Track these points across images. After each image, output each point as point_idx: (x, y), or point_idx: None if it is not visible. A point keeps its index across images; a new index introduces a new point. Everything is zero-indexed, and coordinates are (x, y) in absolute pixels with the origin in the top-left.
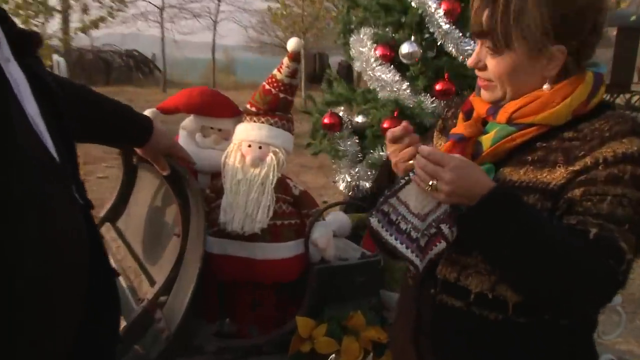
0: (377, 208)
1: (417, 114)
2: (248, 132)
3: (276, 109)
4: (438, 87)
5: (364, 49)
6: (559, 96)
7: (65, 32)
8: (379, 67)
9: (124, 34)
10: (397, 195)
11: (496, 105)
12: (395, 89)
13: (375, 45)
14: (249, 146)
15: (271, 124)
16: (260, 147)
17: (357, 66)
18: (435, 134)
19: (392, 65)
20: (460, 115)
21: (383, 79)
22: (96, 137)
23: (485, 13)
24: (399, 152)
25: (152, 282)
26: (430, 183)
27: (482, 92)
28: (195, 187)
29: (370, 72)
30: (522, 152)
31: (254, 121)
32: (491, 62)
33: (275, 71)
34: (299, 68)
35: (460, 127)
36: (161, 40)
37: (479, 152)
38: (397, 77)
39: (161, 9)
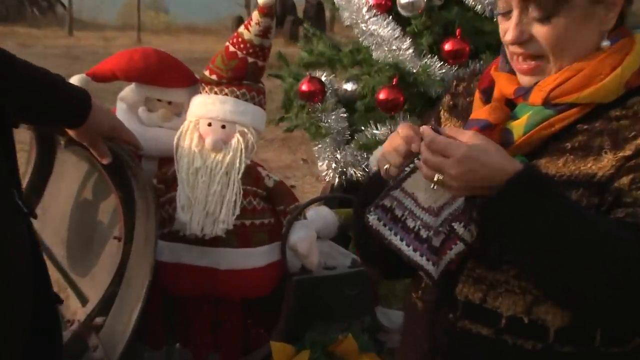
0: (377, 203)
1: (422, 82)
2: (207, 107)
3: (244, 77)
4: (447, 46)
5: None
6: (607, 66)
7: None
8: (373, 19)
9: None
10: (402, 186)
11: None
12: (394, 48)
13: None
14: (209, 125)
15: (237, 97)
16: (223, 127)
17: (345, 17)
18: (442, 113)
19: (389, 17)
20: (478, 95)
21: (379, 34)
22: (17, 117)
23: None
24: (396, 156)
25: (83, 300)
26: (436, 178)
27: (524, 77)
28: (143, 178)
29: (362, 26)
30: (559, 139)
31: (215, 93)
32: (541, 31)
33: (242, 28)
34: (272, 25)
35: (483, 112)
36: None
37: (509, 142)
38: (396, 33)
39: None
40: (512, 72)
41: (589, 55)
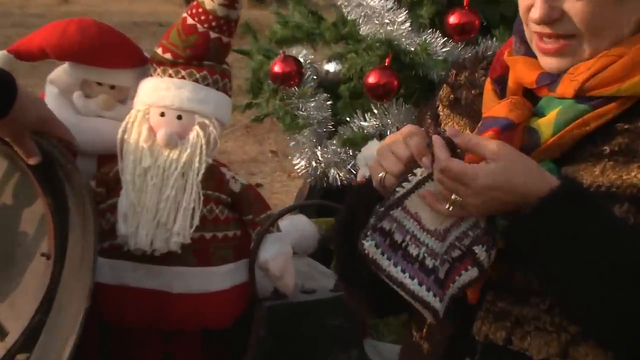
0: (374, 225)
1: (421, 63)
2: (160, 94)
3: (205, 56)
4: (452, 19)
5: None
6: None
7: None
8: None
9: None
10: (403, 205)
11: (549, 74)
12: (386, 22)
13: None
14: (162, 115)
15: (196, 81)
16: (179, 117)
17: None
18: (440, 109)
19: None
20: (489, 86)
21: (368, 4)
22: None
23: None
24: (396, 163)
25: (1, 332)
26: (453, 197)
27: (549, 59)
28: (79, 181)
29: None
30: (595, 140)
31: (170, 75)
32: (575, 6)
33: None
34: None
35: (502, 108)
36: None
37: (535, 145)
38: (389, 3)
39: None
40: (529, 54)
41: (630, 39)
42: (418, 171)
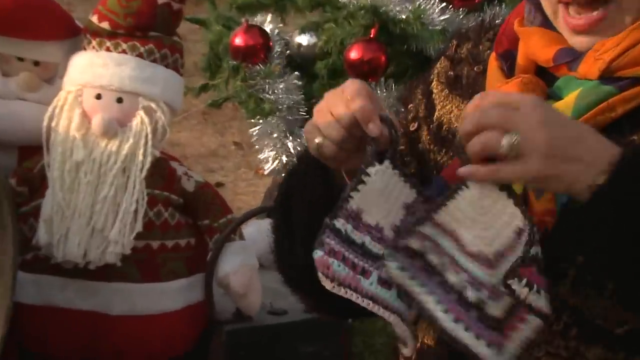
0: (397, 243)
1: (414, 34)
2: (95, 71)
3: (151, 26)
4: None
5: None
6: None
7: None
8: None
9: None
10: (434, 218)
11: (569, 50)
12: None
13: None
14: (98, 97)
15: (141, 56)
16: (119, 100)
17: None
18: (435, 85)
19: None
20: (494, 63)
21: None
22: None
23: None
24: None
25: None
26: (513, 140)
27: (581, 38)
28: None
29: None
30: (622, 128)
31: (108, 49)
32: None
33: None
34: None
35: (510, 89)
36: None
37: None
38: None
39: None
40: (546, 25)
41: None
42: (372, 170)
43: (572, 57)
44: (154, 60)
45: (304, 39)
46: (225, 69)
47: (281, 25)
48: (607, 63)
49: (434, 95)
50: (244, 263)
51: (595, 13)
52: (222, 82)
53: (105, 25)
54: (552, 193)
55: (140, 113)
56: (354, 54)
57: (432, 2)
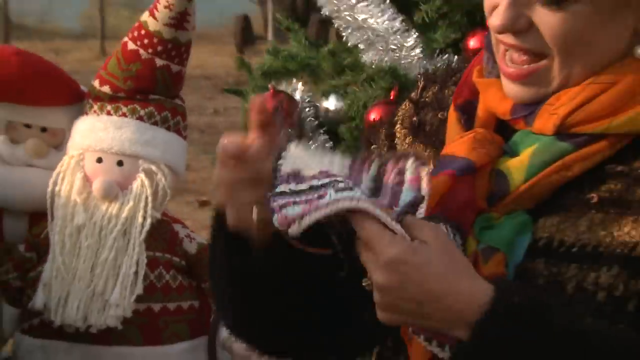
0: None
1: None
2: (96, 135)
3: (151, 89)
4: (472, 42)
5: None
6: None
7: None
8: (363, 6)
9: None
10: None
11: (527, 106)
12: (393, 47)
13: None
14: (99, 161)
15: (141, 119)
16: (120, 164)
17: (322, 3)
18: (397, 130)
19: (387, 1)
20: (453, 114)
21: (370, 26)
22: None
23: None
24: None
25: None
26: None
27: (512, 86)
28: None
29: (347, 15)
30: (580, 187)
31: (108, 113)
32: (549, 20)
33: (145, 16)
34: (190, 9)
35: (461, 144)
36: None
37: (503, 192)
38: (396, 24)
39: None
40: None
41: (623, 63)
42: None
43: (528, 111)
44: (155, 123)
45: (330, 103)
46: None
47: (308, 90)
48: (561, 118)
49: (396, 140)
50: None
51: (527, 66)
52: None
53: (106, 89)
54: (502, 257)
55: (141, 176)
56: (373, 116)
57: (449, 62)
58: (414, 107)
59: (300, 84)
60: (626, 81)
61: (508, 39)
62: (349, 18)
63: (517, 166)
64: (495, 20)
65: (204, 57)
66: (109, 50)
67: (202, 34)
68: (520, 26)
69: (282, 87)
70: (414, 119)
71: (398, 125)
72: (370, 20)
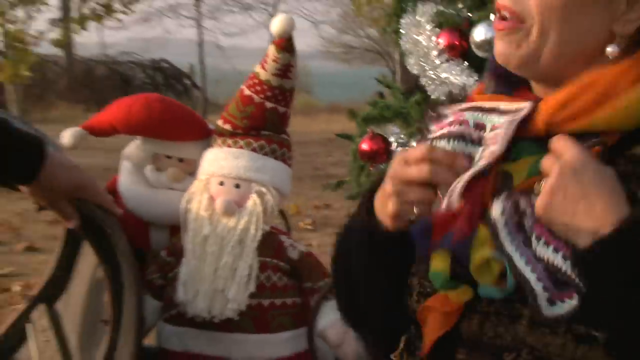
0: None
1: None
2: (219, 163)
3: (262, 126)
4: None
5: (421, 37)
6: (628, 79)
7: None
8: (445, 65)
9: (147, 38)
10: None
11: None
12: None
13: (438, 30)
14: (221, 184)
15: (254, 150)
16: (237, 186)
17: (411, 64)
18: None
19: (465, 62)
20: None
21: (451, 83)
22: None
23: None
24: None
25: None
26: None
27: (498, 42)
28: (123, 247)
29: (431, 73)
30: None
31: (229, 146)
32: None
33: (257, 67)
34: (293, 62)
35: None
36: (199, 45)
37: (507, 188)
38: (472, 80)
39: (198, 0)
40: (498, 91)
41: (605, 65)
42: None
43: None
44: (265, 154)
45: None
46: (354, 168)
47: (400, 133)
48: (549, 115)
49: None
50: (339, 318)
51: (510, 22)
52: (353, 179)
53: (227, 127)
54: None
55: (254, 196)
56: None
57: None
58: (425, 134)
59: (394, 128)
60: (603, 81)
61: (503, 1)
62: (433, 76)
63: (520, 168)
64: None
65: (350, 125)
66: None
67: (350, 109)
68: None
69: (380, 130)
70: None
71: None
72: (451, 78)
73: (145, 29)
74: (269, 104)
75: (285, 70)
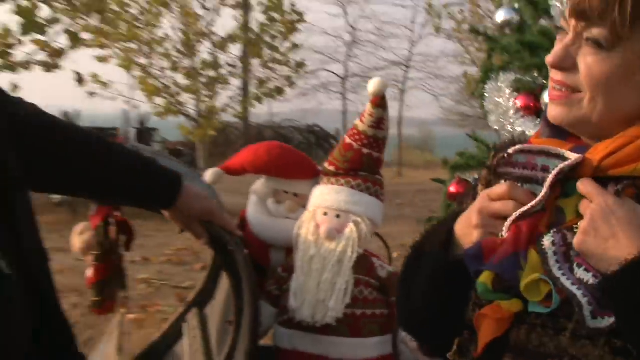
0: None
1: None
2: (324, 197)
3: (360, 168)
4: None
5: (502, 100)
6: None
7: (244, 102)
8: (521, 122)
9: (304, 109)
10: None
11: (579, 147)
12: None
13: (515, 94)
14: (325, 214)
15: (352, 187)
16: (337, 216)
17: (492, 121)
18: (479, 189)
19: (538, 120)
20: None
21: (526, 136)
22: (107, 195)
23: None
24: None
25: None
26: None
27: (553, 107)
28: (243, 261)
29: (509, 127)
30: None
31: (332, 183)
32: (589, 61)
33: (357, 121)
34: (386, 116)
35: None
36: (343, 114)
37: (560, 222)
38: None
39: (344, 79)
40: (553, 136)
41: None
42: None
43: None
44: (361, 190)
45: None
46: (443, 207)
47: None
48: (597, 162)
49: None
50: None
51: (566, 92)
52: (442, 215)
53: (331, 168)
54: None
55: (351, 225)
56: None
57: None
58: (488, 172)
59: (477, 174)
60: None
61: (556, 74)
62: (510, 129)
63: (570, 204)
64: (549, 57)
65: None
66: (403, 172)
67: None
68: (566, 65)
69: (466, 176)
70: (488, 178)
71: (479, 186)
72: (526, 131)
73: (303, 102)
74: (365, 150)
75: (379, 122)
